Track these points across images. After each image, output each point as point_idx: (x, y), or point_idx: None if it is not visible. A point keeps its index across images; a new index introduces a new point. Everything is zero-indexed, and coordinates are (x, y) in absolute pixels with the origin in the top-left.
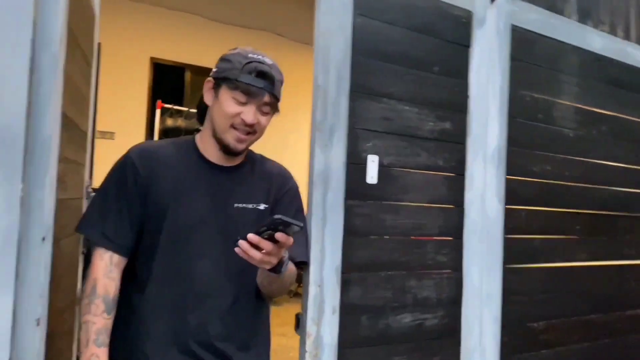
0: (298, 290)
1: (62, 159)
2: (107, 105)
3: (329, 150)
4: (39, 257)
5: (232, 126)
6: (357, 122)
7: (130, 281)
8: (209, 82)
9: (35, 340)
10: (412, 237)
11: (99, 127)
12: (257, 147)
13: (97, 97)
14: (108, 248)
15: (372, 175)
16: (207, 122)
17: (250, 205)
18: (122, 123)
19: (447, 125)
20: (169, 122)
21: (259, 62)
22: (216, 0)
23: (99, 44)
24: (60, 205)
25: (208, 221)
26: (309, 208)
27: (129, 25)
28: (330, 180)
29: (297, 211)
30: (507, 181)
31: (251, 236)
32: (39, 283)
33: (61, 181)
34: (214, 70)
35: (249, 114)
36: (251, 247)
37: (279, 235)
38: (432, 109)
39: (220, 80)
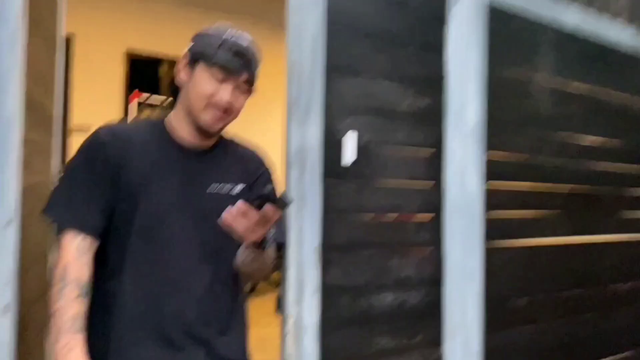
0: (280, 280)
1: (27, 141)
2: (82, 99)
3: (306, 128)
4: (4, 243)
5: (208, 105)
6: (333, 99)
7: (102, 268)
8: (184, 58)
9: (3, 328)
10: (391, 216)
11: (75, 121)
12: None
13: (69, 89)
14: (77, 231)
15: (349, 154)
16: (180, 102)
17: (223, 190)
18: (98, 116)
19: (425, 101)
20: (146, 113)
21: (237, 40)
22: None
23: (72, 35)
24: (27, 190)
25: (181, 206)
26: (286, 187)
27: (102, 17)
28: (307, 159)
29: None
30: (487, 157)
31: (240, 203)
32: (4, 269)
33: (26, 165)
34: (190, 46)
35: (226, 92)
36: (237, 216)
37: (268, 208)
38: (410, 85)
39: (197, 57)
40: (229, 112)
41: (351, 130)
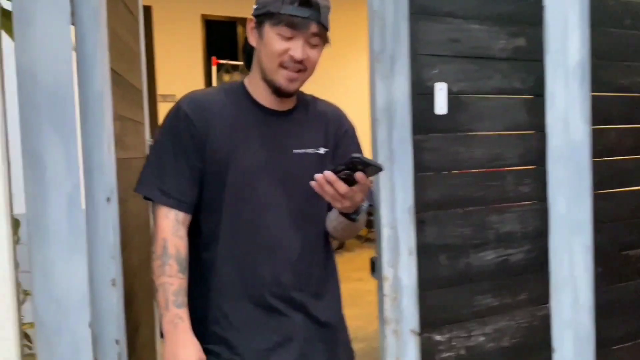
0: (369, 236)
1: (118, 117)
2: (164, 69)
3: (391, 82)
4: (106, 218)
5: (281, 65)
6: (419, 47)
7: (196, 237)
8: (250, 22)
9: (112, 301)
10: (489, 169)
11: (159, 91)
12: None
13: (153, 60)
14: (171, 206)
15: (441, 105)
16: (254, 65)
17: (310, 150)
18: (181, 84)
19: (520, 41)
20: (226, 78)
21: None
22: None
23: (150, 7)
24: (122, 165)
25: (270, 169)
26: (373, 147)
27: None
28: (395, 114)
29: (355, 150)
30: (593, 99)
31: (328, 174)
32: (108, 244)
33: (119, 140)
34: (255, 7)
35: (297, 49)
36: (326, 183)
37: (359, 176)
38: (502, 24)
39: (262, 17)
40: (303, 70)
41: (441, 80)
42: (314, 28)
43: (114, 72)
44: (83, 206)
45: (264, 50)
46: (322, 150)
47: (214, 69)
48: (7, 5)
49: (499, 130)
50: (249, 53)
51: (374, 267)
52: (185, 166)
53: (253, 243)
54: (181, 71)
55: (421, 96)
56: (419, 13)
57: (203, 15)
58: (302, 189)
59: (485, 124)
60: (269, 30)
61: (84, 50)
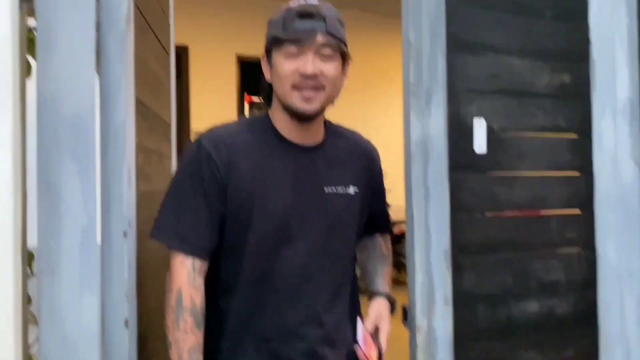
0: (399, 278)
1: (142, 148)
2: (199, 106)
3: (427, 117)
4: (122, 254)
5: (294, 86)
6: (457, 82)
7: (214, 284)
8: (263, 58)
9: (124, 341)
10: (532, 212)
11: (194, 128)
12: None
13: (188, 97)
14: (188, 253)
15: (479, 143)
16: (275, 100)
17: (340, 189)
18: (215, 121)
19: (565, 77)
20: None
21: (300, 4)
22: None
23: (186, 47)
24: (143, 198)
25: (298, 210)
26: (406, 185)
27: (213, 26)
28: (431, 151)
29: (383, 193)
30: None
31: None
32: (123, 281)
33: (142, 172)
34: (265, 44)
35: (307, 64)
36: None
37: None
38: (546, 60)
39: (269, 47)
40: (320, 87)
41: (480, 116)
42: (321, 39)
43: (140, 103)
44: (99, 241)
45: (276, 78)
46: (352, 191)
47: (246, 106)
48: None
49: (542, 170)
50: (267, 91)
51: (406, 315)
52: (206, 210)
53: (276, 292)
54: (215, 108)
55: (459, 132)
56: (457, 46)
57: (238, 55)
58: (333, 231)
59: (527, 163)
60: (276, 56)
61: (108, 78)
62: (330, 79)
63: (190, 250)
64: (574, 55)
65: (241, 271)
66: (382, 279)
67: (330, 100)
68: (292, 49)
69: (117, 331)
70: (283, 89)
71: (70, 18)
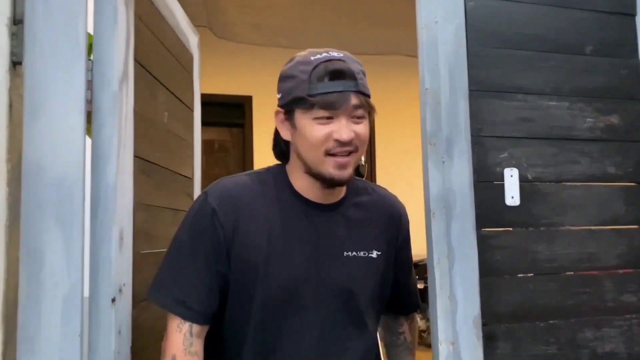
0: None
1: (142, 207)
2: (264, 158)
3: (449, 168)
4: (110, 322)
5: (327, 153)
6: (483, 129)
7: (215, 350)
8: (278, 114)
9: None
10: (579, 272)
11: None
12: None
13: (252, 149)
14: (186, 318)
15: (512, 195)
16: (293, 157)
17: (361, 253)
18: None
19: (613, 118)
20: None
21: (327, 60)
22: (327, 31)
23: (251, 97)
24: (144, 260)
25: (313, 275)
26: (427, 243)
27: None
28: (454, 205)
29: (411, 259)
30: None
31: None
32: (109, 351)
33: (143, 232)
34: (279, 97)
35: (342, 129)
36: None
37: None
38: (588, 101)
39: (291, 105)
40: (354, 151)
41: (511, 165)
42: (354, 100)
43: (143, 160)
44: (86, 309)
45: (302, 142)
46: (375, 254)
47: None
48: None
49: (590, 224)
50: (282, 147)
51: None
52: (207, 272)
53: None
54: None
55: (487, 184)
56: (481, 90)
57: None
58: (353, 300)
59: (570, 216)
60: (302, 118)
61: (100, 138)
62: (363, 140)
63: (188, 315)
64: (623, 92)
65: (245, 346)
66: None
67: (360, 158)
68: (323, 113)
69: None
70: (314, 155)
71: (58, 79)
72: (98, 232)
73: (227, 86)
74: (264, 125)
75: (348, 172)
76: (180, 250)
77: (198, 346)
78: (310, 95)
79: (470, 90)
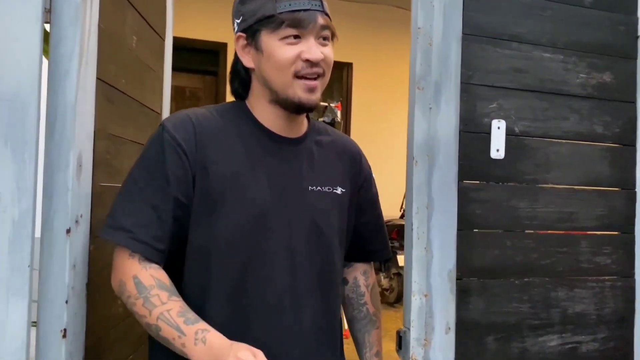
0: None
1: (105, 136)
2: None
3: (435, 114)
4: (63, 254)
5: (296, 75)
6: (473, 76)
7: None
8: (239, 40)
9: (60, 356)
10: (558, 231)
11: None
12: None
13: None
14: (138, 252)
15: (498, 147)
16: (257, 88)
17: (326, 188)
18: None
19: (606, 76)
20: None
21: None
22: None
23: (226, 44)
24: (105, 194)
25: (278, 210)
26: (407, 192)
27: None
28: (437, 154)
29: (376, 199)
30: None
31: None
32: (64, 285)
33: (104, 163)
34: (238, 21)
35: (312, 48)
36: None
37: None
38: (583, 55)
39: (255, 28)
40: (322, 74)
41: (500, 117)
42: (321, 20)
43: (107, 85)
44: (34, 237)
45: (269, 66)
46: (339, 190)
47: None
48: None
49: (573, 183)
50: (240, 77)
51: (401, 342)
52: (165, 205)
53: (252, 306)
54: None
55: (472, 135)
56: (475, 34)
57: None
58: (320, 236)
59: (555, 174)
60: (268, 39)
61: (58, 52)
62: (329, 64)
63: (141, 248)
64: (618, 50)
65: (211, 282)
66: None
67: (325, 85)
68: (291, 32)
69: (53, 344)
70: (282, 78)
71: None
72: (54, 155)
73: (202, 31)
74: None
75: (316, 96)
76: (135, 184)
77: (156, 266)
78: (278, 14)
79: (463, 33)
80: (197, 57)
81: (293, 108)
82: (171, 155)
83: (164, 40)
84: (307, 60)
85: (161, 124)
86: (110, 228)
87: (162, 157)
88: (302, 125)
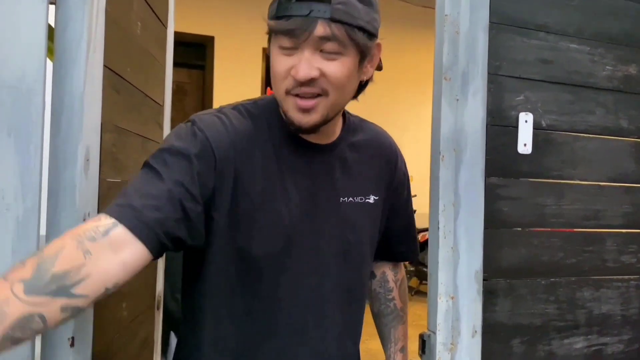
0: (420, 288)
1: (111, 128)
2: (222, 97)
3: (462, 107)
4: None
5: (287, 92)
6: (501, 67)
7: (190, 313)
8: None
9: None
10: (584, 230)
11: None
12: None
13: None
14: (138, 236)
15: (525, 142)
16: None
17: (358, 199)
18: None
19: (632, 69)
20: None
21: None
22: None
23: (213, 38)
24: (111, 191)
25: (308, 233)
26: (432, 189)
27: (240, 20)
28: (464, 149)
29: (409, 202)
30: None
31: None
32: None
33: (110, 157)
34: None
35: (300, 64)
36: None
37: None
38: (610, 47)
39: (269, 34)
40: (323, 94)
41: (527, 110)
42: (320, 30)
43: (114, 73)
44: (40, 236)
45: (272, 76)
46: (372, 199)
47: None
48: None
49: (600, 180)
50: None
51: (424, 347)
52: (181, 198)
53: (276, 330)
54: (238, 99)
55: (499, 128)
56: (502, 23)
57: (264, 49)
58: (350, 256)
59: (581, 170)
60: (272, 46)
61: (65, 36)
62: (335, 82)
63: (141, 232)
64: None
65: (230, 303)
66: (400, 355)
67: (337, 108)
68: (284, 41)
69: (59, 353)
70: (278, 92)
71: None
72: (60, 150)
73: (188, 24)
74: (226, 68)
75: (312, 118)
76: (154, 167)
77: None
78: (277, 18)
79: (490, 22)
80: (184, 50)
81: (291, 126)
82: (204, 159)
83: (166, 28)
84: (292, 77)
85: (192, 122)
86: (117, 207)
87: (190, 156)
88: (336, 127)
